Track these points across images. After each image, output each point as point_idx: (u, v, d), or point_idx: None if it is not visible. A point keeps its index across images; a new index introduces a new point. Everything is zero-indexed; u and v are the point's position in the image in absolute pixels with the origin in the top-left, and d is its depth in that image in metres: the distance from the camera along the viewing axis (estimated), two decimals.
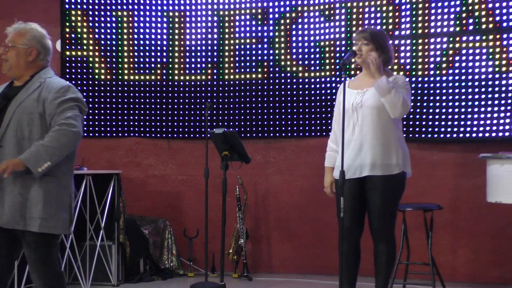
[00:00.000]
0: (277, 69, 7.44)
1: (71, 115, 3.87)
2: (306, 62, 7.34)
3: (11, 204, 3.84)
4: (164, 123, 7.71)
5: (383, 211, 4.77)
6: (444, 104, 6.77)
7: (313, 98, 7.32)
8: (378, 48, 4.82)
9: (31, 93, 3.93)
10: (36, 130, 3.88)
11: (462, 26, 6.71)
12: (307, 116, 7.36)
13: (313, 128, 7.32)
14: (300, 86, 7.35)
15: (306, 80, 7.34)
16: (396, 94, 4.67)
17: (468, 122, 6.65)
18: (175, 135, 7.72)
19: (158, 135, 7.75)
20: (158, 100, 7.70)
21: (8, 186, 3.85)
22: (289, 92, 7.40)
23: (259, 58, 7.49)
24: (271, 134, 7.48)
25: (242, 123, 7.53)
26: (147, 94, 7.70)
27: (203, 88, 7.62)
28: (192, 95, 7.65)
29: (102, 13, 7.73)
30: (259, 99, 7.49)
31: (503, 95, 6.54)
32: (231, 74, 7.56)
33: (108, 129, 7.74)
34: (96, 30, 7.74)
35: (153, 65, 7.71)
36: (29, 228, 3.84)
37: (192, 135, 7.66)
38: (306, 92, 7.32)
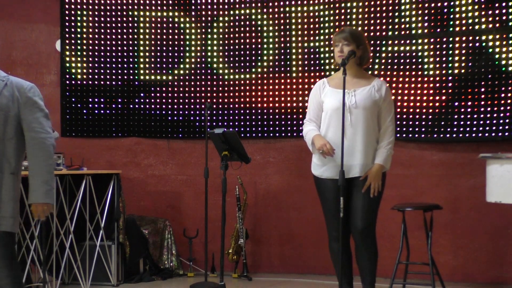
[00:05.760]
0: (277, 69, 7.44)
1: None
2: (306, 62, 7.34)
3: None
4: (164, 123, 7.71)
5: (370, 210, 4.79)
6: (444, 104, 6.77)
7: None
8: (359, 46, 4.86)
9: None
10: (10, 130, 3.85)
11: (461, 26, 6.71)
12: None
13: None
14: (300, 86, 7.35)
15: (306, 80, 7.34)
16: (392, 149, 4.86)
17: (468, 122, 6.65)
18: (174, 135, 7.71)
19: (158, 135, 7.74)
20: (158, 100, 7.69)
21: None
22: (288, 92, 7.40)
23: (259, 58, 7.49)
24: (271, 134, 7.48)
25: (242, 123, 7.53)
26: (147, 94, 7.70)
27: (203, 88, 7.62)
28: (192, 95, 7.64)
29: (102, 12, 7.73)
30: (259, 99, 7.49)
31: (502, 95, 6.54)
32: (231, 74, 7.56)
33: (108, 129, 7.74)
34: (96, 30, 7.73)
35: (153, 65, 7.70)
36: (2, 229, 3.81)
37: (192, 135, 7.66)
38: (306, 92, 7.32)
